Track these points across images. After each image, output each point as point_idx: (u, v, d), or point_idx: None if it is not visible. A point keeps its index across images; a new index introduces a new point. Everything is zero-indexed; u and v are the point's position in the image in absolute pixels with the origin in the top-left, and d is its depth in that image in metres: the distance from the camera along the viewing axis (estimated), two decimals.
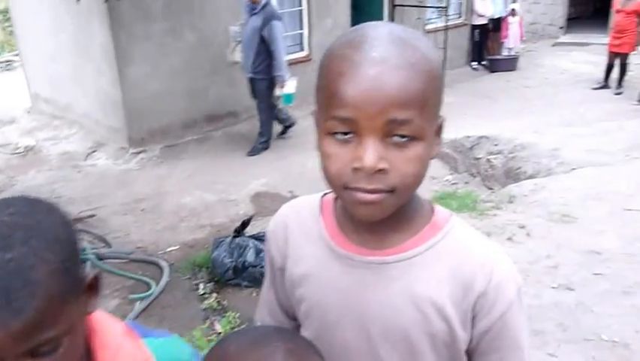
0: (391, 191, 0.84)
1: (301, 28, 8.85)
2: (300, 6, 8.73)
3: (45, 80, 8.85)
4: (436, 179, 6.59)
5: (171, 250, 5.10)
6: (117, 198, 6.19)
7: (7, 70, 12.80)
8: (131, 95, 7.14)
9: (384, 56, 0.81)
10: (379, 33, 0.84)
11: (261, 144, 7.37)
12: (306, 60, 8.87)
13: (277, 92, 6.98)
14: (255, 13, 6.60)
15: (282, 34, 6.77)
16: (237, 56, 7.17)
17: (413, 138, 0.83)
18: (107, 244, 5.04)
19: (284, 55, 6.83)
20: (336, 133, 0.84)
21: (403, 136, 0.82)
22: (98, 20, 6.96)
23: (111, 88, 7.23)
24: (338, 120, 0.83)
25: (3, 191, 6.38)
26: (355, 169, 0.82)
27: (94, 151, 7.51)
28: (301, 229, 1.03)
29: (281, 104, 7.19)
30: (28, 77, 9.39)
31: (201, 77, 7.67)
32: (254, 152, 7.31)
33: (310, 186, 6.28)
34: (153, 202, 6.10)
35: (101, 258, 4.07)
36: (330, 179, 0.87)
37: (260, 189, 6.35)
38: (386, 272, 0.93)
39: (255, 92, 7.16)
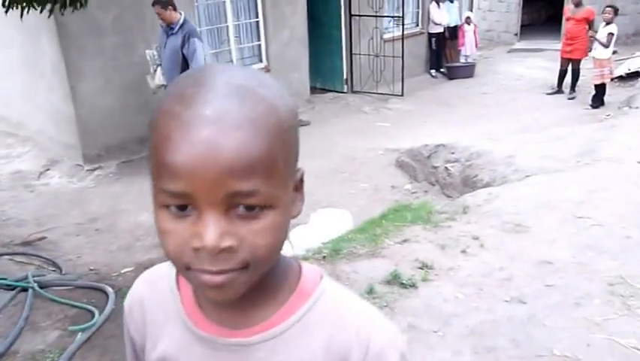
0: (244, 267, 0.71)
1: (259, 40, 8.80)
2: (257, 18, 8.68)
3: None
4: (396, 188, 6.60)
5: (126, 272, 4.97)
6: (70, 219, 6.03)
7: None
8: (84, 110, 6.99)
9: (219, 113, 0.67)
10: (216, 82, 0.70)
11: None
12: (264, 71, 8.82)
13: None
14: (174, 34, 6.36)
15: (202, 51, 6.38)
16: (159, 79, 6.76)
17: (264, 207, 0.70)
18: (58, 268, 4.88)
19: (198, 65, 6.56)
20: (170, 206, 0.70)
21: (250, 207, 0.69)
22: (46, 36, 6.81)
23: (63, 104, 7.07)
24: (169, 194, 0.69)
25: None
26: (196, 249, 0.69)
27: (47, 169, 7.31)
28: (158, 305, 0.89)
29: None
30: None
31: None
32: None
33: None
34: (108, 221, 5.96)
35: (43, 286, 3.90)
36: (171, 259, 0.74)
37: None
38: (252, 354, 0.81)
39: None
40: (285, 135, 0.72)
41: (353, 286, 3.35)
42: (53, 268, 4.94)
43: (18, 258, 4.92)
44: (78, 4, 5.29)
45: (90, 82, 6.96)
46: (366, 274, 3.48)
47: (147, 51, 6.80)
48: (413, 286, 3.31)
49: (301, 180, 0.81)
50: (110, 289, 3.92)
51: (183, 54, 6.33)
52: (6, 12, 5.00)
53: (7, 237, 5.48)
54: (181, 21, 6.35)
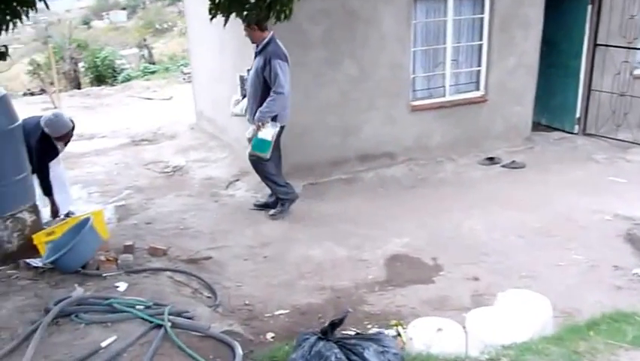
0: None
1: (479, 65, 7.85)
2: (481, 41, 7.73)
3: (209, 98, 8.82)
4: (621, 270, 5.18)
5: (279, 314, 4.51)
6: (243, 239, 5.74)
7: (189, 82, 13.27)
8: None
9: None
10: None
11: (282, 205, 6.29)
12: (480, 101, 7.88)
13: (249, 132, 6.05)
14: (258, 53, 5.86)
15: (286, 75, 5.79)
16: (241, 110, 6.25)
17: None
18: (213, 295, 4.56)
19: (282, 97, 5.81)
20: None
21: None
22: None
23: None
24: None
25: (135, 214, 6.24)
26: None
27: (237, 180, 7.20)
28: None
29: (249, 148, 6.04)
30: (196, 93, 9.49)
31: (357, 111, 7.04)
32: (276, 215, 6.26)
33: (463, 255, 5.39)
34: (278, 249, 5.55)
35: (176, 326, 3.53)
36: None
37: (399, 251, 5.52)
38: None
39: None
40: None
41: None
42: (209, 295, 4.64)
43: (178, 276, 4.68)
44: (282, 16, 5.00)
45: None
46: None
47: (239, 74, 6.34)
48: None
49: None
50: (239, 351, 3.38)
51: (264, 77, 5.78)
52: (210, 20, 4.92)
53: (178, 249, 5.34)
54: (265, 40, 5.77)
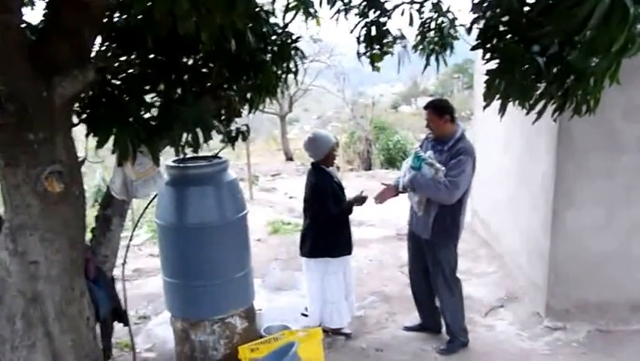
0: None
1: None
2: None
3: (487, 197, 7.55)
4: None
5: None
6: None
7: None
8: (565, 247, 5.15)
9: None
10: None
11: (453, 342, 4.90)
12: None
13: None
14: (443, 150, 4.54)
15: (469, 176, 4.47)
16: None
17: None
18: None
19: (448, 193, 4.39)
20: None
21: None
22: (544, 141, 5.29)
23: (540, 230, 5.39)
24: None
25: (369, 333, 5.24)
26: None
27: (501, 306, 5.73)
28: None
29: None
30: (474, 188, 8.28)
31: None
32: (447, 351, 4.86)
33: None
34: None
35: None
36: None
37: None
38: None
39: (434, 262, 4.75)
40: None
41: None
42: None
43: None
44: (584, 108, 3.65)
45: (583, 211, 5.07)
46: None
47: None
48: None
49: None
50: None
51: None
52: (484, 108, 3.84)
53: None
54: (457, 136, 4.51)
